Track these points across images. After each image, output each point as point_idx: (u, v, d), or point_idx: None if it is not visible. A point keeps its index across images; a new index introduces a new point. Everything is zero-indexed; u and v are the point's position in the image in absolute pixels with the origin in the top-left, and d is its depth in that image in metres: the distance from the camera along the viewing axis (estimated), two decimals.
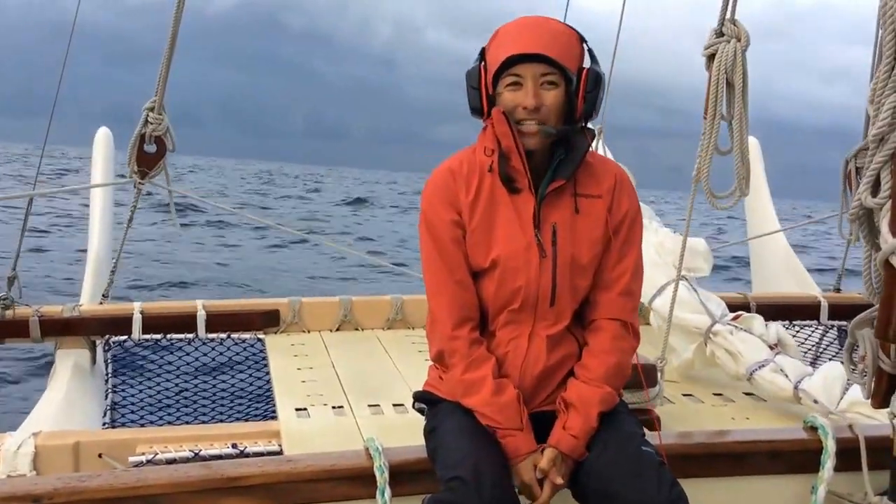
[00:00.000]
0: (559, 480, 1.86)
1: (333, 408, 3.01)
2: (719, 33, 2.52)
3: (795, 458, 2.29)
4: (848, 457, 2.23)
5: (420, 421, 2.09)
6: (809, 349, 4.19)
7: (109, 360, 3.72)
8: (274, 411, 3.10)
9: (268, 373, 3.60)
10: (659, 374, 2.71)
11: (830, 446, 2.23)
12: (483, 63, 1.96)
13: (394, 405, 3.02)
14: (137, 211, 4.32)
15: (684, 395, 3.23)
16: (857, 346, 1.90)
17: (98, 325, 3.79)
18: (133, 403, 3.57)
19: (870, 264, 1.80)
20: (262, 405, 3.59)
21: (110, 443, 2.63)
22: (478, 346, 1.96)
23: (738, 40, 2.48)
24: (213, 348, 3.87)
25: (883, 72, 1.72)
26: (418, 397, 2.13)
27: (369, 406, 3.03)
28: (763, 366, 3.01)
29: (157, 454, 2.52)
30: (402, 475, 2.02)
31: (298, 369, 3.50)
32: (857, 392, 2.66)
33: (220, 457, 2.47)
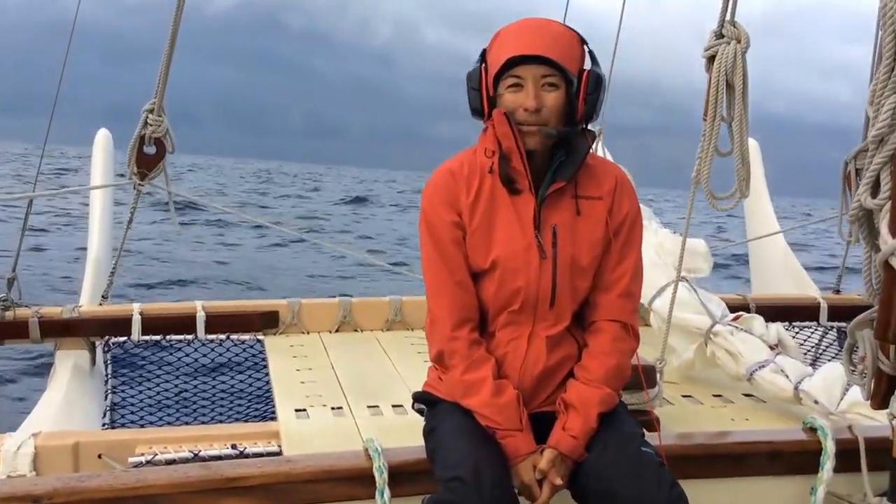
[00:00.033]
0: (558, 481, 1.86)
1: (333, 409, 3.01)
2: (719, 35, 2.52)
3: (795, 459, 2.29)
4: (847, 458, 2.23)
5: (419, 421, 2.09)
6: (809, 350, 4.19)
7: (109, 361, 3.72)
8: (273, 412, 3.10)
9: (267, 374, 3.60)
10: (658, 375, 2.71)
11: (830, 447, 2.23)
12: (484, 64, 1.96)
13: (393, 406, 3.02)
14: (137, 210, 4.32)
15: (684, 396, 3.23)
16: (857, 347, 1.90)
17: (98, 325, 3.79)
18: (132, 404, 3.57)
19: (869, 265, 1.80)
20: (261, 406, 3.59)
21: (110, 443, 2.62)
22: (477, 347, 1.96)
23: (738, 42, 2.48)
24: (212, 349, 3.87)
25: (883, 73, 1.72)
26: (417, 398, 2.13)
27: (368, 407, 3.03)
28: (763, 366, 3.00)
29: (156, 455, 2.52)
30: (402, 476, 2.02)
31: (298, 370, 3.50)
32: (857, 393, 2.66)
33: (219, 457, 2.47)
